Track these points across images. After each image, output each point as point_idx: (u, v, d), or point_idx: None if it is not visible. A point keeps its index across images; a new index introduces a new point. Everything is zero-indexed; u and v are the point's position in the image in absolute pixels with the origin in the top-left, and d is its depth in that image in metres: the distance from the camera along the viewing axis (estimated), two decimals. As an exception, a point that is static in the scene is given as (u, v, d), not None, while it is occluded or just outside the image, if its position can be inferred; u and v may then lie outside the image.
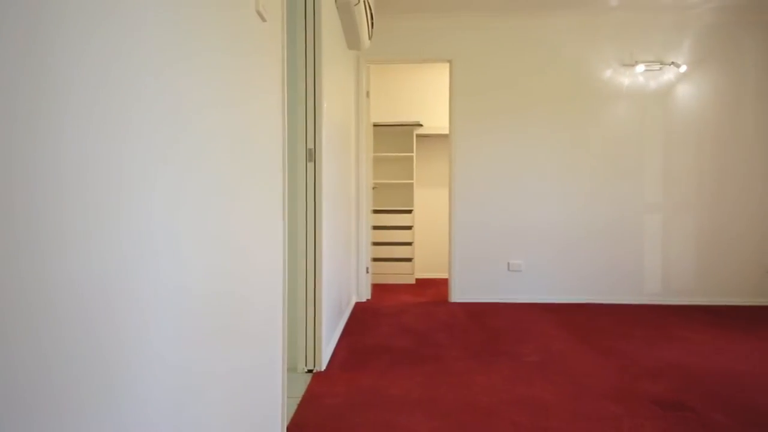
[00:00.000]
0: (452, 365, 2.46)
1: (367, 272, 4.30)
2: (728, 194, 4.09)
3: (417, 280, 5.57)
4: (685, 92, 4.10)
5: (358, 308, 3.93)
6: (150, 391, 0.76)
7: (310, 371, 2.38)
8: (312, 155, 2.41)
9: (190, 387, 0.91)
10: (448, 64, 4.29)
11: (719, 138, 4.08)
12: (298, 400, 2.03)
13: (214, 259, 1.03)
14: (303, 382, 2.25)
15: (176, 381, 0.86)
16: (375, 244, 5.26)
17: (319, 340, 2.38)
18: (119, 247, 0.67)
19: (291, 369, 2.38)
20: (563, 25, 4.14)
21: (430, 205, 5.81)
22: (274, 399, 1.56)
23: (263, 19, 1.34)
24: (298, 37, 2.36)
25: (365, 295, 4.27)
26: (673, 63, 4.04)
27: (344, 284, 3.44)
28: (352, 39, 3.27)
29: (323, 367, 2.41)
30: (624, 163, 4.14)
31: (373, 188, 5.19)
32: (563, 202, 4.17)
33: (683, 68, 4.04)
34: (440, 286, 5.12)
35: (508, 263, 4.19)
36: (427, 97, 5.66)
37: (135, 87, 0.71)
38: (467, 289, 4.21)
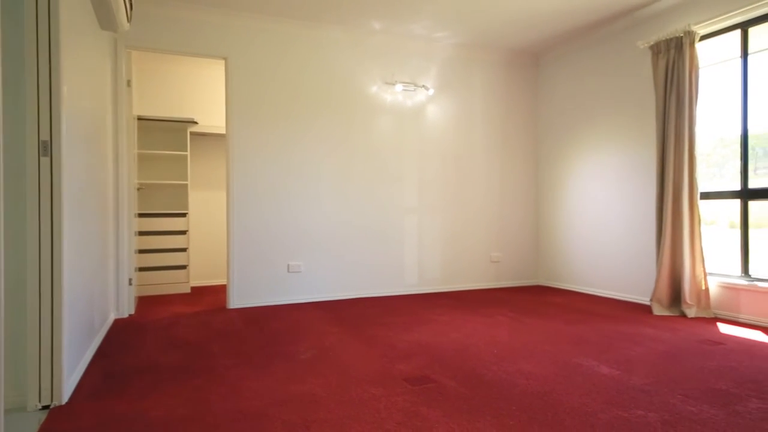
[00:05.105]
0: (224, 374, 2.38)
1: (130, 284, 3.81)
2: (463, 199, 4.99)
3: (193, 288, 5.20)
4: (433, 112, 4.85)
5: (118, 325, 3.45)
6: None
7: (46, 407, 1.98)
8: (47, 149, 2.02)
9: None
10: (223, 62, 4.14)
11: (457, 152, 4.95)
12: (25, 446, 1.67)
13: None
14: (35, 421, 1.86)
15: None
16: (141, 251, 4.72)
17: (59, 369, 2.00)
18: None
19: (17, 408, 1.95)
20: (337, 39, 4.43)
21: (206, 208, 5.50)
22: (-16, 450, 1.25)
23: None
24: (27, 3, 1.95)
25: (128, 309, 3.78)
26: (424, 86, 4.74)
27: (98, 300, 2.98)
28: (105, 17, 2.86)
29: (65, 400, 2.04)
30: (388, 170, 4.65)
31: (138, 189, 4.65)
32: (338, 205, 4.46)
33: (431, 91, 4.78)
34: (219, 293, 4.90)
35: (288, 265, 4.27)
36: (203, 94, 5.35)
37: None
38: (247, 294, 4.13)
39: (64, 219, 2.02)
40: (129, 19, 3.17)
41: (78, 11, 2.40)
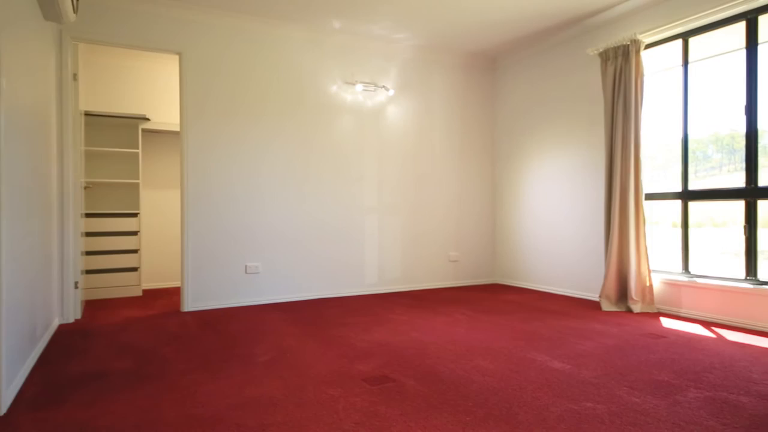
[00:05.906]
0: (178, 380, 2.30)
1: (76, 287, 3.63)
2: (422, 199, 5.05)
3: (144, 291, 5.01)
4: (393, 112, 4.87)
5: (63, 331, 3.28)
6: None
7: (-19, 420, 1.86)
8: (-17, 145, 1.90)
9: None
10: (177, 57, 4.01)
11: (416, 152, 5.00)
12: (-43, 462, 1.56)
13: None
14: (-31, 436, 1.75)
15: None
16: (89, 253, 4.51)
17: (-4, 379, 1.88)
18: None
19: (-52, 423, 1.82)
20: (296, 38, 4.38)
21: (159, 207, 5.31)
22: None
23: None
24: (-42, -10, 1.82)
25: (74, 314, 3.60)
26: (384, 86, 4.75)
27: (40, 304, 2.82)
28: (48, 7, 2.72)
29: (3, 411, 1.92)
30: (349, 170, 4.64)
31: (86, 188, 4.44)
32: (297, 205, 4.40)
33: (391, 92, 4.80)
34: (172, 295, 4.74)
35: (246, 266, 4.18)
36: (156, 89, 5.16)
37: None
38: (202, 296, 4.02)
39: (2, 219, 1.91)
40: (75, 10, 3.02)
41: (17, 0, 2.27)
